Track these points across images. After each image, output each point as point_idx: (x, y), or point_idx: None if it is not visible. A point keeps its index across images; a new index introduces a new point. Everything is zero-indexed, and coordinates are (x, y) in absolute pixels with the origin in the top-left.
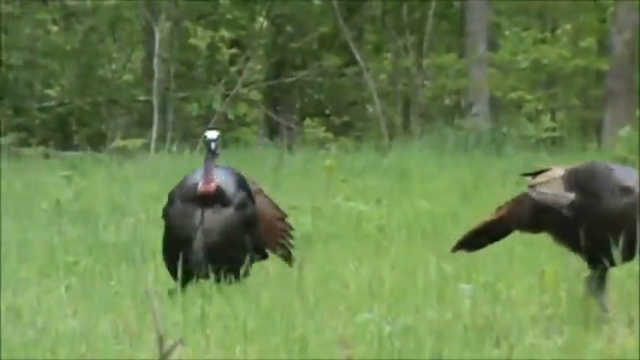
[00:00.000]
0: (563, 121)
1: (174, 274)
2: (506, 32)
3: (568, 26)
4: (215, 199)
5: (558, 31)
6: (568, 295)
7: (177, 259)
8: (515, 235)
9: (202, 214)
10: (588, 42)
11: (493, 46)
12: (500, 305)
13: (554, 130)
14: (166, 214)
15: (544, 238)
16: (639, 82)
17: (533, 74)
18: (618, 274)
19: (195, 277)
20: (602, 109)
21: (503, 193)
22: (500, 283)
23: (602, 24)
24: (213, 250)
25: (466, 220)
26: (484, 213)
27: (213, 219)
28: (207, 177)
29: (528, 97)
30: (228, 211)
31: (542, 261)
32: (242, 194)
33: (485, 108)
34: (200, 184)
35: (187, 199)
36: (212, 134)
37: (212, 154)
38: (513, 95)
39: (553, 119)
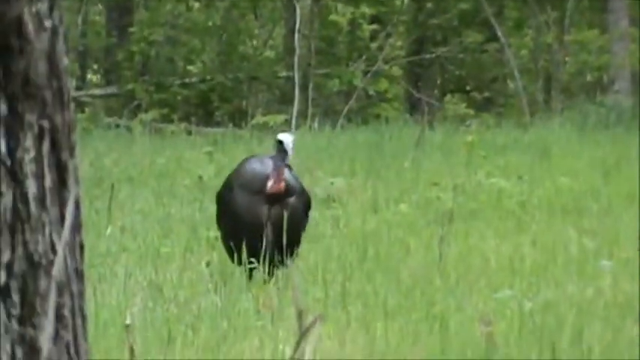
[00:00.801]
0: None
1: (232, 256)
2: None
3: None
4: (283, 195)
5: None
6: None
7: (240, 244)
8: None
9: (270, 208)
10: None
11: (636, 22)
12: None
13: None
14: (226, 201)
15: None
16: None
17: None
18: None
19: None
20: None
21: None
22: None
23: None
24: (280, 239)
25: (607, 197)
26: (626, 190)
27: (281, 210)
28: (279, 178)
29: None
30: (292, 200)
31: None
32: (300, 182)
33: (627, 84)
34: (270, 184)
35: (252, 191)
36: (287, 137)
37: (284, 157)
38: None
39: None
